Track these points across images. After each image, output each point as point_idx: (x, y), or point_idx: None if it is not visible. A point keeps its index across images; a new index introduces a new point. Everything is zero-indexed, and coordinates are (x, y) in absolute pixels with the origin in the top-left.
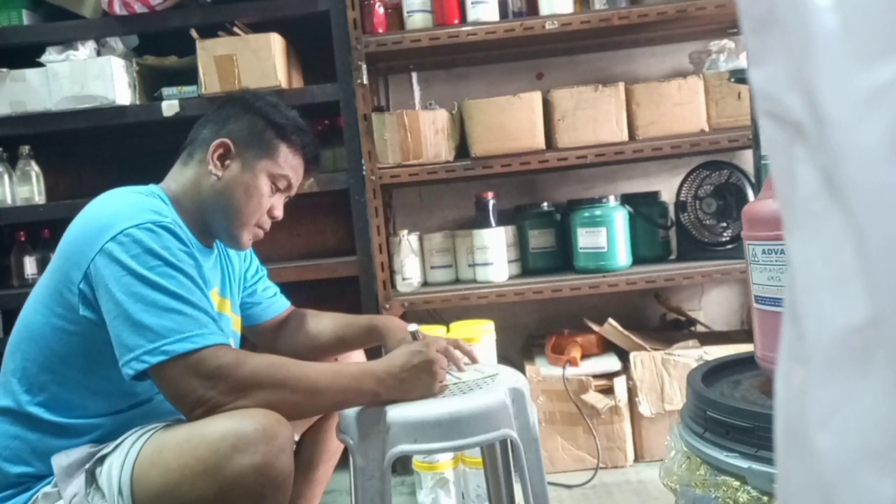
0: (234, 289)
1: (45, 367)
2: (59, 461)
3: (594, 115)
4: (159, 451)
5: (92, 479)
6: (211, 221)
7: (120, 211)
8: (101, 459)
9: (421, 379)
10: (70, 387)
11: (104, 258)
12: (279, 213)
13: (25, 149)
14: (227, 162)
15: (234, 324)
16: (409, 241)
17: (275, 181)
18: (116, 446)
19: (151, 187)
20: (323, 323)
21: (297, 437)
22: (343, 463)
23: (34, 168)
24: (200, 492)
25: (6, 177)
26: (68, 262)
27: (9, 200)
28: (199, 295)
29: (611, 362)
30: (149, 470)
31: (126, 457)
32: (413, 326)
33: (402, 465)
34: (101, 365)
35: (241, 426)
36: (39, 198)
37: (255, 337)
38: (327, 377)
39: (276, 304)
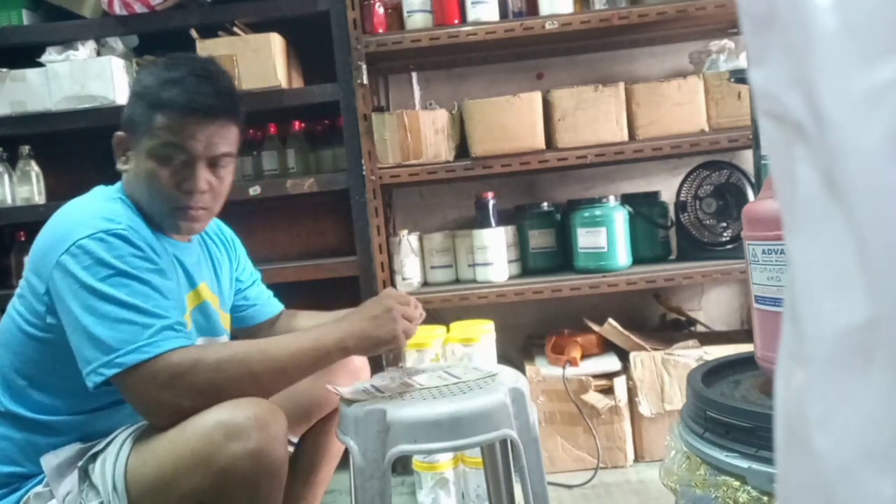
0: (224, 287)
1: (22, 372)
2: (49, 461)
3: (594, 115)
4: (152, 445)
5: (85, 477)
6: (150, 214)
7: (75, 221)
8: (94, 456)
9: (382, 325)
10: (48, 389)
11: (59, 271)
12: (195, 183)
13: (25, 149)
14: (128, 153)
15: (223, 321)
16: (409, 241)
17: (166, 155)
18: (109, 443)
19: (118, 186)
20: (312, 322)
21: (296, 440)
22: (343, 463)
23: (34, 168)
24: (195, 483)
25: (6, 177)
26: (34, 273)
27: (9, 200)
28: (157, 299)
29: (611, 362)
30: (142, 464)
31: (119, 452)
32: None
33: (402, 465)
34: (74, 368)
35: (233, 415)
36: (39, 198)
37: (249, 338)
38: (290, 348)
39: (269, 306)
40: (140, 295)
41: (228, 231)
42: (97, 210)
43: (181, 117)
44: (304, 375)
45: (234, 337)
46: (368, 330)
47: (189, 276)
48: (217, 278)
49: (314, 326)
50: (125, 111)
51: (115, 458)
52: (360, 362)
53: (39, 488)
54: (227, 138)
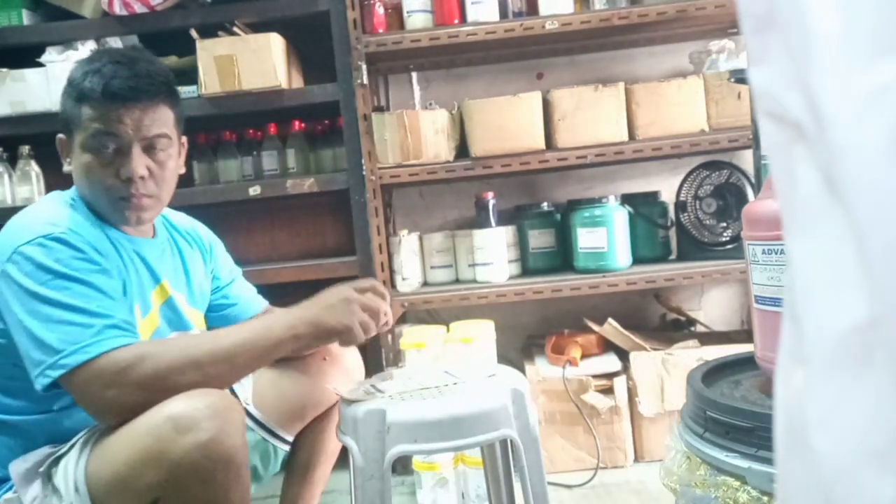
0: (195, 285)
1: None
2: (17, 467)
3: (594, 115)
4: (110, 445)
5: (48, 481)
6: (99, 210)
7: (18, 229)
8: (57, 460)
9: (336, 314)
10: (11, 392)
11: (3, 279)
12: (132, 169)
13: (25, 149)
14: (70, 154)
15: (191, 317)
16: (408, 241)
17: (98, 145)
18: (71, 446)
19: (72, 189)
20: None
21: (290, 438)
22: (343, 463)
23: (34, 168)
24: (151, 479)
25: (6, 177)
26: None
27: (9, 200)
28: (99, 299)
29: (611, 362)
30: (101, 464)
31: (80, 454)
32: None
33: (402, 466)
34: None
35: (183, 408)
36: (39, 198)
37: None
38: (238, 336)
39: (252, 304)
40: (82, 296)
41: (205, 231)
42: (40, 215)
43: (103, 103)
44: (254, 364)
45: None
46: (321, 317)
47: (151, 271)
48: (186, 275)
49: (270, 315)
50: (60, 112)
51: (76, 460)
52: (353, 362)
53: (9, 494)
54: (157, 120)
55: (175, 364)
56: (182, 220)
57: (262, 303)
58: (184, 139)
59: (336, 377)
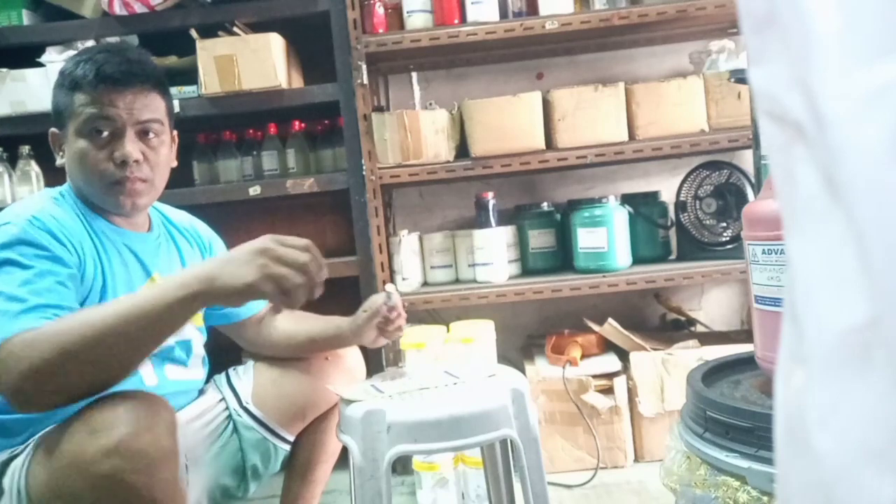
0: None
1: None
2: None
3: (594, 115)
4: (44, 449)
5: None
6: (93, 199)
7: None
8: (9, 462)
9: (237, 269)
10: None
11: None
12: (125, 151)
13: (25, 149)
14: (62, 147)
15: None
16: (408, 241)
17: (92, 130)
18: (25, 447)
19: (62, 186)
20: (303, 321)
21: (291, 438)
22: (343, 463)
23: (34, 168)
24: (75, 486)
25: (6, 177)
26: None
27: (9, 200)
28: (35, 283)
29: (611, 362)
30: (36, 468)
31: (26, 458)
32: (390, 287)
33: (402, 465)
34: None
35: (98, 409)
36: None
37: (238, 337)
38: (122, 309)
39: (253, 303)
40: (11, 282)
41: (204, 229)
42: (13, 208)
43: (96, 87)
44: (151, 336)
45: (211, 334)
46: (217, 272)
47: (142, 264)
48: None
49: (169, 277)
50: (52, 106)
51: (22, 463)
52: (355, 361)
53: None
54: (149, 106)
55: (48, 357)
56: (181, 217)
57: (262, 303)
58: (175, 133)
59: (337, 377)
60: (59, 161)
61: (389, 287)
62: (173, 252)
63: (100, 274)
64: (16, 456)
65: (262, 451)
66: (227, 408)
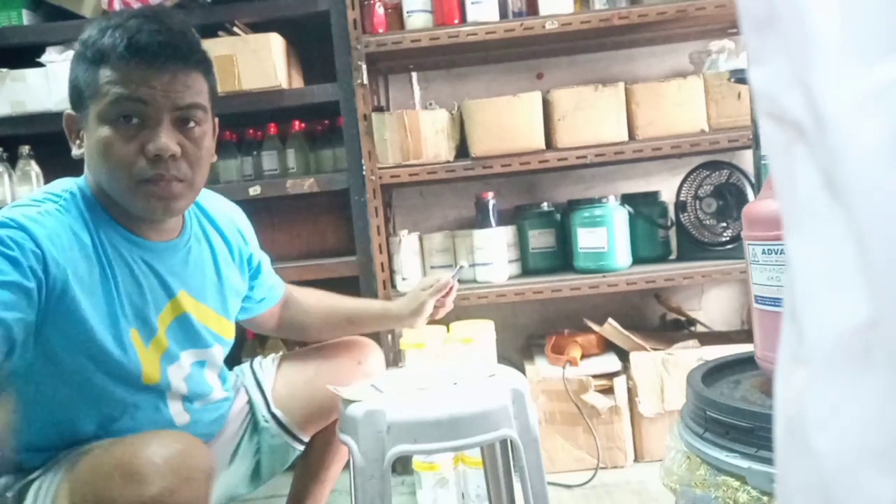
0: (226, 289)
1: None
2: None
3: (594, 115)
4: (72, 481)
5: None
6: (116, 200)
7: None
8: (29, 484)
9: None
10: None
11: None
12: (160, 142)
13: (25, 149)
14: (80, 133)
15: (219, 328)
16: (409, 242)
17: (120, 114)
18: (46, 469)
19: (79, 179)
20: (338, 305)
21: (307, 439)
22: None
23: (34, 168)
24: None
25: (6, 177)
26: None
27: (9, 200)
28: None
29: (611, 362)
30: (66, 497)
31: (49, 485)
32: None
33: (402, 466)
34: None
35: (136, 454)
36: None
37: (259, 327)
38: None
39: (273, 292)
40: None
41: (242, 219)
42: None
43: (128, 62)
44: None
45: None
46: None
47: (164, 283)
48: (219, 280)
49: None
50: (69, 82)
51: (46, 489)
52: (376, 365)
53: None
54: (191, 87)
55: None
56: (219, 207)
57: (281, 289)
58: (216, 120)
59: (358, 380)
60: (75, 151)
61: (463, 262)
62: (206, 258)
63: (90, 295)
64: (35, 479)
65: (281, 454)
66: (250, 411)
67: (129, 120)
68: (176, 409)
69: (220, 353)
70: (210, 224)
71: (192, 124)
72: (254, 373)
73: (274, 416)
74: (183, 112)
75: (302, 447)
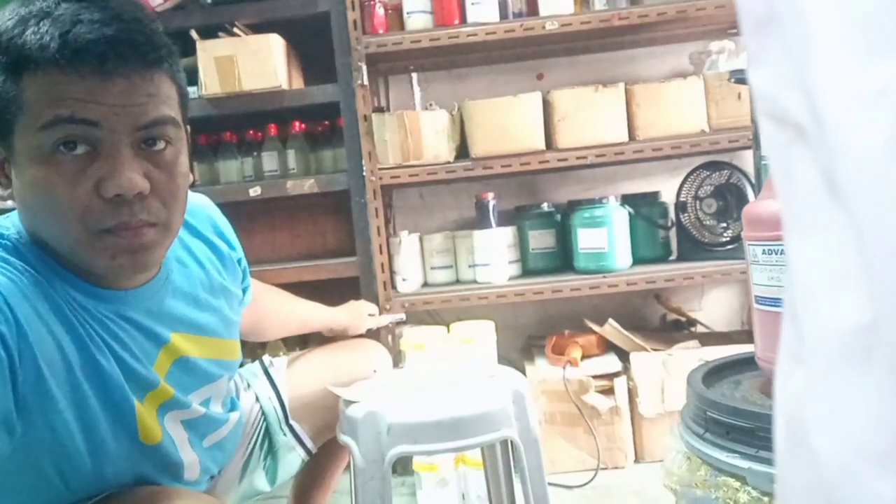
0: (225, 311)
1: None
2: None
3: (594, 116)
4: None
5: None
6: (66, 256)
7: None
8: None
9: None
10: None
11: None
12: (118, 181)
13: None
14: (6, 169)
15: (224, 352)
16: (409, 242)
17: (57, 145)
18: None
19: (14, 221)
20: (296, 309)
21: (315, 450)
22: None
23: None
24: None
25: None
26: None
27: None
28: None
29: (611, 363)
30: None
31: None
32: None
33: (403, 466)
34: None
35: None
36: None
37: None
38: None
39: (248, 294)
40: None
41: (196, 204)
42: None
43: (64, 68)
44: None
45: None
46: None
47: (149, 334)
48: (213, 296)
49: None
50: None
51: None
52: (388, 372)
53: None
54: (155, 95)
55: None
56: (194, 209)
57: (250, 289)
58: (187, 128)
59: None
60: (2, 192)
61: (402, 315)
62: (195, 280)
63: (56, 372)
64: None
65: (291, 467)
66: (263, 420)
67: (72, 148)
68: (189, 458)
69: (226, 381)
70: (192, 234)
71: (160, 145)
72: (268, 376)
73: (292, 429)
74: (147, 131)
75: (308, 456)
